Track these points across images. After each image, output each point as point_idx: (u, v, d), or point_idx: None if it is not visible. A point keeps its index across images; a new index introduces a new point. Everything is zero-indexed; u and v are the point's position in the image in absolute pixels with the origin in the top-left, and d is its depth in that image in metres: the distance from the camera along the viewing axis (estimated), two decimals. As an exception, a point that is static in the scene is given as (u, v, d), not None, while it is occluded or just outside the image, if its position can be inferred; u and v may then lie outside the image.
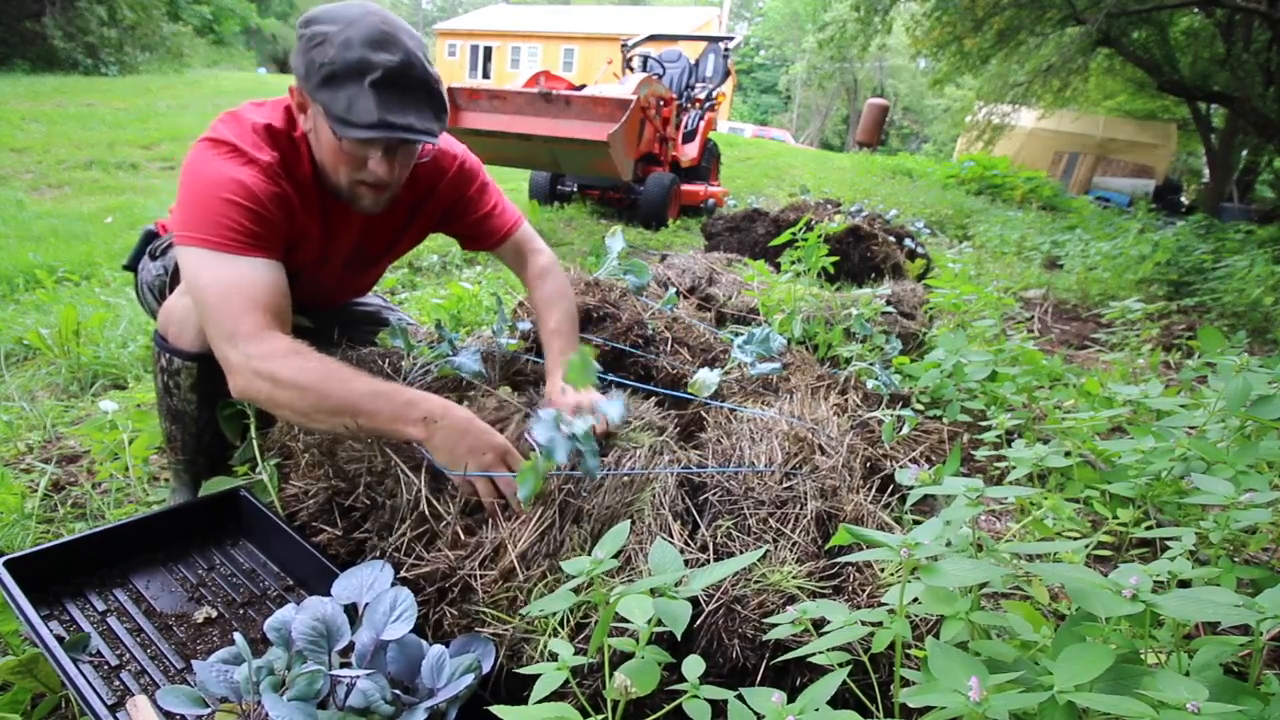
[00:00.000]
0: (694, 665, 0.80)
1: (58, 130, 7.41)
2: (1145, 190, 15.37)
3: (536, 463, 1.07)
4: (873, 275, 3.73)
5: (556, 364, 1.47)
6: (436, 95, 1.22)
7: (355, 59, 1.13)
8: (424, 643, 0.93)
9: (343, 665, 0.89)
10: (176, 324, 1.32)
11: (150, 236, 1.54)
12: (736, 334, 1.88)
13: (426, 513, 1.15)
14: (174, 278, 1.41)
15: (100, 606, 1.10)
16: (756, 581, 1.03)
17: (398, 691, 0.86)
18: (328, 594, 0.94)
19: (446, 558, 1.09)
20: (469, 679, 0.89)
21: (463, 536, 1.12)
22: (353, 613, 0.95)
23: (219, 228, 1.15)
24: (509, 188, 7.10)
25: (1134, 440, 1.37)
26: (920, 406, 2.09)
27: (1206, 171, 15.04)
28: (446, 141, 1.52)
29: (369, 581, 0.99)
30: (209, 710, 0.82)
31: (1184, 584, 1.01)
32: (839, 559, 0.98)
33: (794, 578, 1.04)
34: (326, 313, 1.72)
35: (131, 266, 1.56)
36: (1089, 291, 5.00)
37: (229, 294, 1.13)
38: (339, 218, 1.40)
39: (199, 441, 1.41)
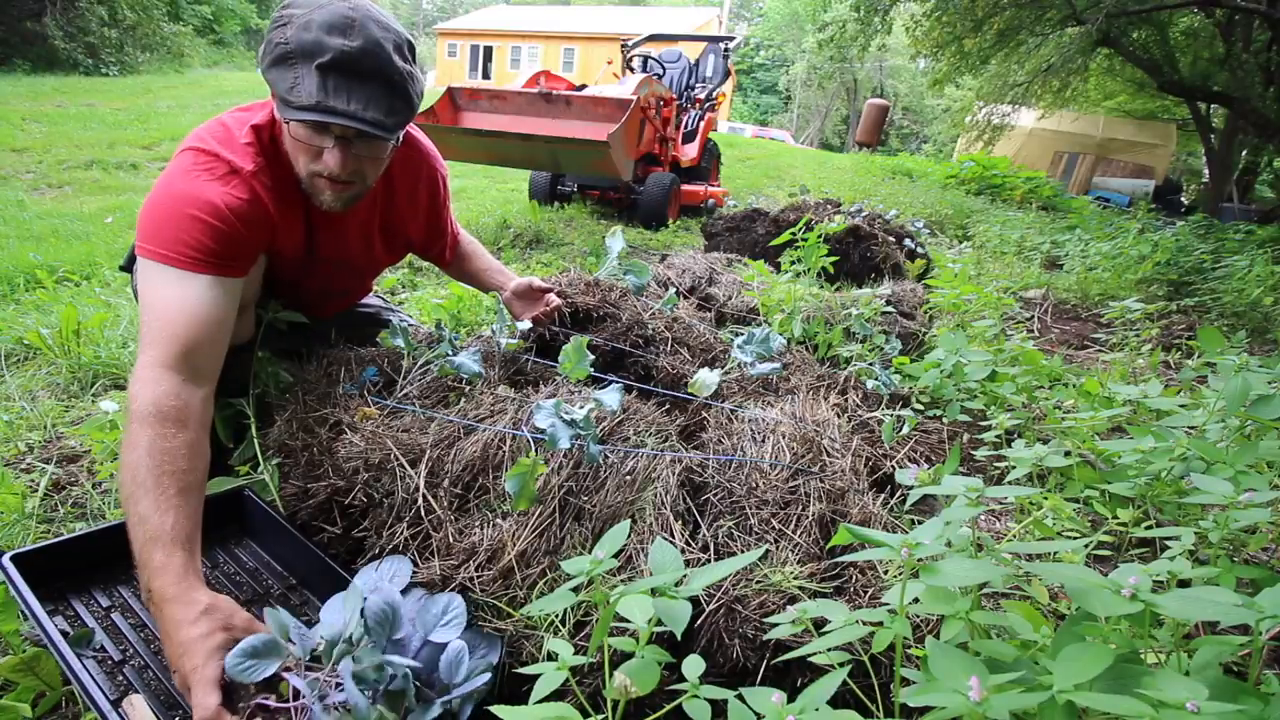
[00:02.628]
0: (694, 665, 0.80)
1: (58, 130, 7.41)
2: (1145, 190, 15.36)
3: (532, 463, 1.07)
4: (873, 275, 3.73)
5: (505, 272, 1.81)
6: (398, 89, 1.16)
7: (310, 40, 1.09)
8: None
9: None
10: None
11: None
12: (736, 334, 1.88)
13: (422, 510, 1.15)
14: None
15: (105, 602, 1.11)
16: (758, 582, 1.03)
17: (418, 684, 0.87)
18: (330, 593, 0.94)
19: (445, 564, 1.09)
20: (485, 677, 0.89)
21: (460, 535, 1.12)
22: None
23: (178, 244, 1.14)
24: (509, 188, 7.10)
25: (1134, 440, 1.37)
26: (920, 406, 2.09)
27: (1206, 171, 15.03)
28: (435, 155, 1.54)
29: (389, 575, 1.00)
30: (271, 662, 0.84)
31: (1184, 584, 1.01)
32: (840, 559, 0.98)
33: (795, 578, 1.04)
34: (328, 315, 1.72)
35: (128, 268, 1.56)
36: (1089, 291, 5.00)
37: (160, 314, 1.12)
38: (322, 215, 1.38)
39: None
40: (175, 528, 0.97)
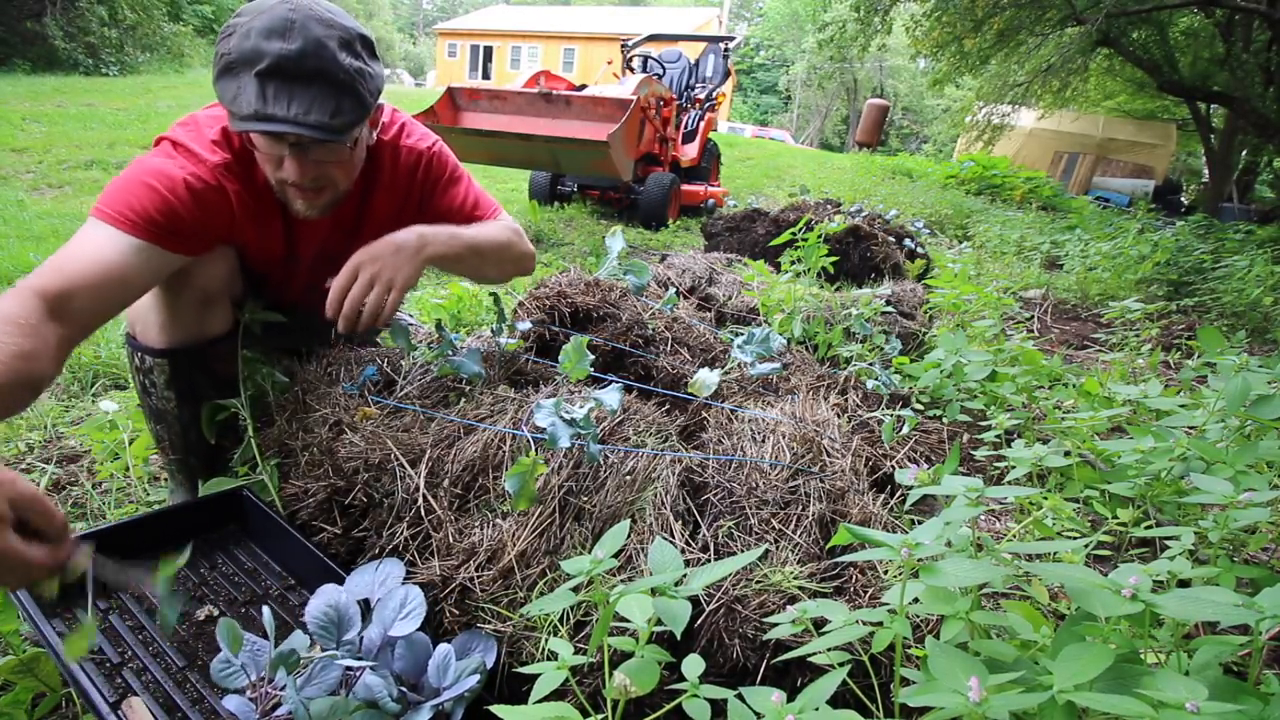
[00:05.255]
0: (694, 665, 0.80)
1: (58, 130, 7.41)
2: (1145, 190, 15.36)
3: (532, 462, 1.07)
4: (873, 275, 3.74)
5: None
6: (345, 87, 1.12)
7: (249, 48, 1.08)
8: (431, 641, 0.94)
9: (355, 658, 0.90)
10: (142, 321, 1.32)
11: None
12: (736, 334, 1.88)
13: (422, 510, 1.15)
14: None
15: (102, 604, 1.11)
16: (758, 581, 1.03)
17: (404, 689, 0.87)
18: (329, 593, 0.94)
19: (445, 564, 1.09)
20: (475, 679, 0.89)
21: (460, 535, 1.12)
22: (365, 608, 0.96)
23: (120, 204, 1.13)
24: (509, 188, 7.10)
25: (1134, 440, 1.37)
26: (920, 406, 2.09)
27: (1206, 171, 15.05)
28: (416, 136, 1.46)
29: (381, 578, 1.00)
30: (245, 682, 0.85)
31: (1184, 584, 1.01)
32: (840, 559, 0.98)
33: (795, 578, 1.04)
34: (317, 307, 1.71)
35: None
36: (1089, 291, 5.00)
37: (63, 254, 1.09)
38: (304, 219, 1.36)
39: (186, 440, 1.40)
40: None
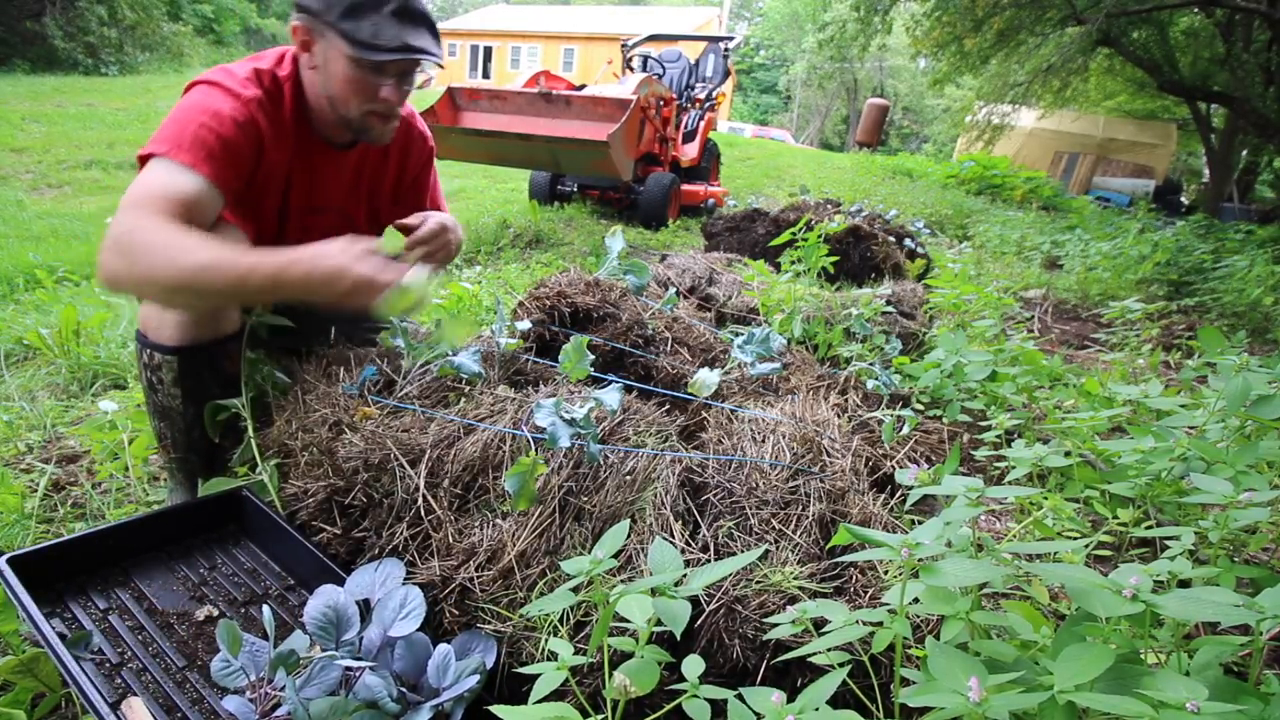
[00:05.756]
0: (694, 665, 0.80)
1: (58, 130, 7.41)
2: (1145, 190, 15.35)
3: (531, 462, 1.07)
4: (873, 275, 3.73)
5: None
6: (434, 25, 1.38)
7: None
8: (431, 641, 0.94)
9: (355, 658, 0.90)
10: (155, 318, 1.34)
11: None
12: (736, 334, 1.88)
13: (422, 510, 1.15)
14: None
15: (102, 605, 1.11)
16: (758, 582, 1.03)
17: (404, 689, 0.87)
18: (328, 593, 0.94)
19: (445, 564, 1.09)
20: (475, 679, 0.89)
21: (459, 535, 1.12)
22: (365, 608, 0.96)
23: (179, 139, 1.23)
24: (509, 188, 7.11)
25: (1134, 440, 1.37)
26: (920, 406, 2.09)
27: (1206, 171, 15.05)
28: (420, 121, 1.64)
29: (381, 578, 1.00)
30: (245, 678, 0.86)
31: (1184, 584, 1.01)
32: (840, 559, 0.98)
33: (795, 578, 1.04)
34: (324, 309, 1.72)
35: None
36: (1089, 291, 5.00)
37: (153, 193, 1.18)
38: (323, 160, 1.48)
39: (189, 438, 1.41)
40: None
